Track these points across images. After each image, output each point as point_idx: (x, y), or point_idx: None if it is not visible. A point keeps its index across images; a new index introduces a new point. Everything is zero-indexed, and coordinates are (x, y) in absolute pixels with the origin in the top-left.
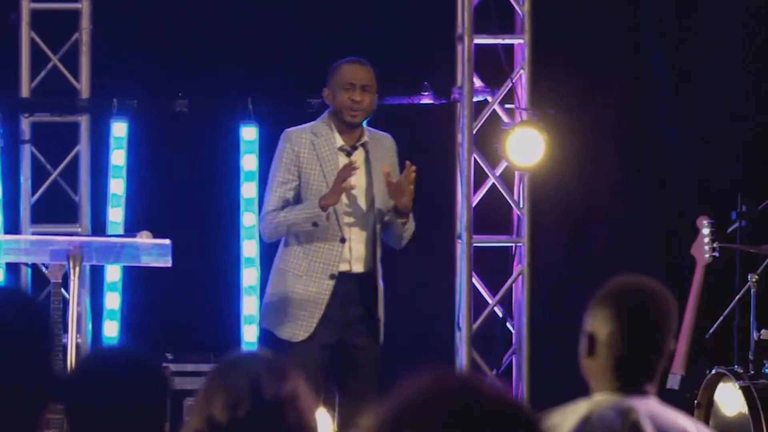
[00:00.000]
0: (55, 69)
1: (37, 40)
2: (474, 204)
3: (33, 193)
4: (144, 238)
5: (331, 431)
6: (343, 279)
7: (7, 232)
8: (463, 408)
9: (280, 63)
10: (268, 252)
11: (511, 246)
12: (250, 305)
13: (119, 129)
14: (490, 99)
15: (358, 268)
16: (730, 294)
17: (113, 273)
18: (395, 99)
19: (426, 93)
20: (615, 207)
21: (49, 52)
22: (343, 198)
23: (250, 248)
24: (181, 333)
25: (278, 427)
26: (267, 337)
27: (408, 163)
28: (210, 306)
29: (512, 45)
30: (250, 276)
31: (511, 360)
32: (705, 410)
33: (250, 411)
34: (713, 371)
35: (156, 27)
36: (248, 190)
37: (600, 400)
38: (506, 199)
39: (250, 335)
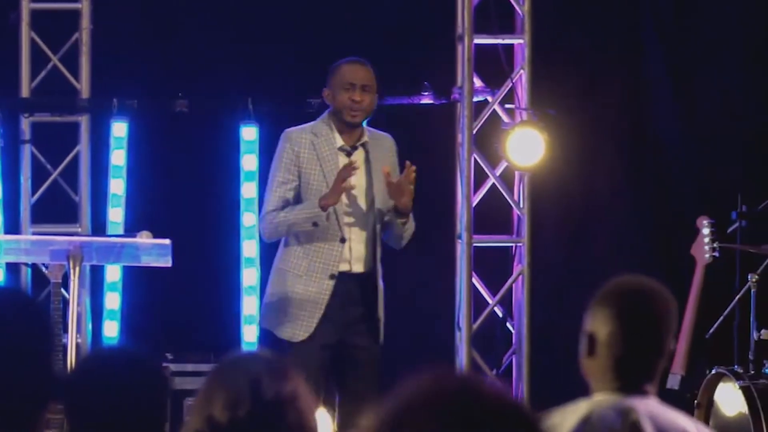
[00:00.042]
0: (55, 69)
1: (37, 40)
2: (474, 204)
3: (33, 193)
4: (144, 238)
5: (331, 431)
6: (343, 279)
7: (7, 232)
8: (463, 408)
9: (280, 63)
10: (268, 252)
11: (511, 246)
12: (250, 305)
13: (119, 129)
14: (490, 99)
15: (358, 268)
16: (730, 294)
17: (113, 273)
18: (395, 99)
19: (426, 93)
20: (615, 207)
21: (49, 52)
22: (343, 198)
23: (250, 248)
24: (181, 333)
25: (278, 427)
26: (267, 337)
27: (408, 163)
28: (210, 306)
29: (512, 45)
30: (250, 276)
31: (511, 360)
32: (705, 410)
33: (250, 411)
34: (713, 371)
35: (156, 27)
36: (248, 190)
37: (600, 400)
38: (506, 199)
39: (250, 335)
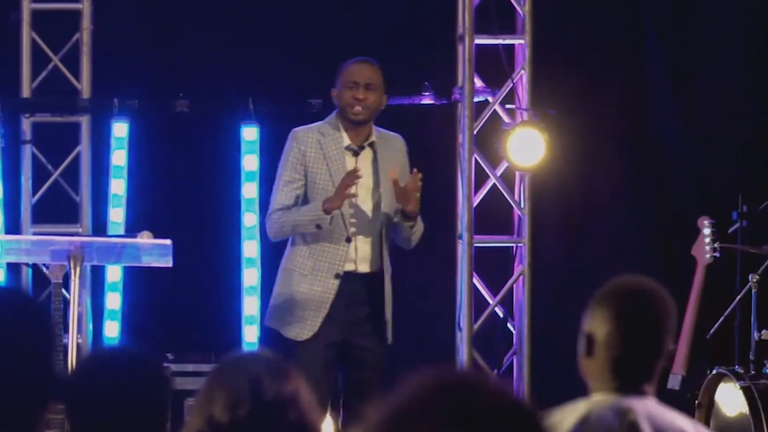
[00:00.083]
0: (55, 69)
1: (38, 40)
2: (475, 204)
3: (34, 193)
4: (145, 239)
5: None
6: (348, 279)
7: (7, 232)
8: (464, 405)
9: (280, 63)
10: (269, 252)
11: (512, 246)
12: (250, 305)
13: (120, 129)
14: (490, 99)
15: (364, 268)
16: (731, 294)
17: (114, 273)
18: (396, 99)
19: (427, 93)
20: (615, 207)
21: (49, 53)
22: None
23: (250, 248)
24: (182, 333)
25: (279, 427)
26: (273, 336)
27: (415, 170)
28: (211, 306)
29: (513, 45)
30: (250, 276)
31: (512, 360)
32: (706, 410)
33: (250, 411)
34: (714, 371)
35: (157, 27)
36: (249, 190)
37: (598, 400)
38: (507, 199)
39: (250, 335)
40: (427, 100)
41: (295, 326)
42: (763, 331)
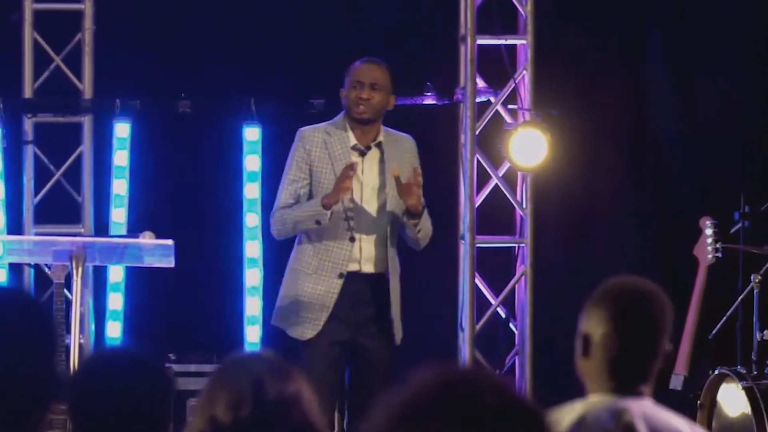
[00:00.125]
0: (57, 69)
1: (40, 40)
2: (477, 204)
3: (36, 193)
4: (147, 239)
5: None
6: (352, 279)
7: (10, 232)
8: (467, 402)
9: (282, 63)
10: (271, 252)
11: (514, 246)
12: (253, 306)
13: (122, 129)
14: (492, 99)
15: (369, 268)
16: (733, 294)
17: (116, 273)
18: (398, 99)
19: (429, 93)
20: (617, 207)
21: (51, 53)
22: (356, 197)
23: (253, 249)
24: (184, 333)
25: (281, 427)
26: (275, 336)
27: (415, 167)
28: (213, 306)
29: (515, 45)
30: (252, 276)
31: (514, 360)
32: (708, 411)
33: (252, 411)
34: (716, 372)
35: (159, 28)
36: (251, 190)
37: (594, 401)
38: (509, 199)
39: (253, 336)
40: (429, 101)
41: (300, 326)
42: (765, 332)
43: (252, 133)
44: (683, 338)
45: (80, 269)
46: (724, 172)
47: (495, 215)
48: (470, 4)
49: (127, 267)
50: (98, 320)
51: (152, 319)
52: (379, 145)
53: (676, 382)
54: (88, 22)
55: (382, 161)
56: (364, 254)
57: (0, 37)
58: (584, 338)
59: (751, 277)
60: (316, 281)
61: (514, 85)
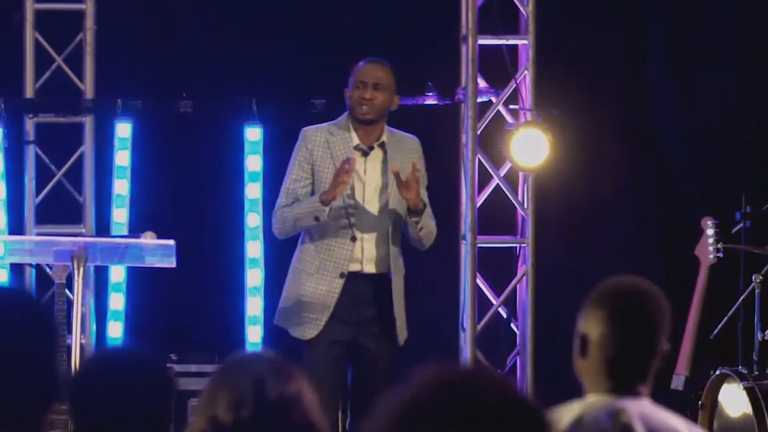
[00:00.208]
0: (59, 69)
1: (41, 40)
2: (478, 205)
3: (37, 193)
4: (148, 239)
5: None
6: (354, 279)
7: (11, 232)
8: (468, 401)
9: (283, 64)
10: (273, 252)
11: (516, 247)
12: (254, 306)
13: (123, 130)
14: (494, 100)
15: (370, 268)
16: (735, 295)
17: (117, 274)
18: (400, 100)
19: (430, 94)
20: (618, 207)
21: (53, 53)
22: (358, 197)
23: (254, 249)
24: (185, 334)
25: (282, 427)
26: (276, 336)
27: (413, 163)
28: (214, 307)
29: (516, 45)
30: (254, 277)
31: (515, 360)
32: (709, 411)
33: (253, 411)
34: (717, 372)
35: (160, 28)
36: (252, 190)
37: (592, 401)
38: (510, 199)
39: (254, 336)
40: (430, 101)
41: (302, 326)
42: (767, 332)
43: (253, 133)
44: (684, 338)
45: (81, 269)
46: (725, 172)
47: (496, 215)
48: (471, 4)
49: (128, 267)
50: (99, 320)
51: (153, 319)
52: (382, 146)
53: (678, 382)
54: (89, 22)
55: (385, 161)
56: (365, 254)
57: (1, 37)
58: (582, 338)
59: (753, 277)
60: (318, 281)
61: (515, 85)
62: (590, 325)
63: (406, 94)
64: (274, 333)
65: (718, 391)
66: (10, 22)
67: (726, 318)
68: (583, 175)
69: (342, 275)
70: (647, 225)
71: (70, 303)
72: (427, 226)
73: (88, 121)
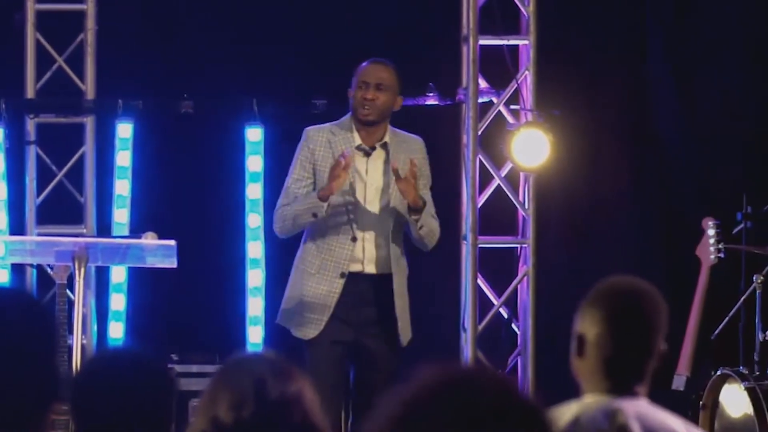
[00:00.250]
0: (60, 70)
1: (42, 41)
2: (479, 205)
3: (38, 194)
4: (149, 239)
5: None
6: (355, 279)
7: (12, 233)
8: (469, 401)
9: (284, 64)
10: (274, 253)
11: (517, 247)
12: (255, 306)
13: (124, 130)
14: (495, 100)
15: (371, 269)
16: (736, 295)
17: (118, 274)
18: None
19: (431, 94)
20: (619, 208)
21: (54, 53)
22: (359, 197)
23: (255, 249)
24: (186, 334)
25: (283, 427)
26: (278, 336)
27: (410, 159)
28: (215, 307)
29: (517, 46)
30: (255, 277)
31: (517, 361)
32: (710, 411)
33: (254, 412)
34: (718, 372)
35: (161, 28)
36: (253, 191)
37: (589, 402)
38: (511, 200)
39: (255, 336)
40: (431, 101)
41: (303, 326)
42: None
43: (254, 134)
44: (686, 339)
45: (83, 270)
46: (726, 173)
47: (497, 216)
48: (472, 4)
49: (129, 267)
50: (100, 321)
51: (154, 319)
52: (384, 146)
53: (679, 382)
54: (90, 23)
55: (387, 162)
56: (366, 255)
57: (2, 38)
58: (579, 338)
59: (754, 278)
60: (319, 281)
61: (516, 85)
62: (587, 326)
63: (407, 95)
64: (275, 333)
65: (719, 392)
66: (11, 22)
67: (727, 318)
68: (584, 176)
69: (342, 275)
70: (648, 225)
71: (71, 303)
72: (428, 225)
73: (89, 122)
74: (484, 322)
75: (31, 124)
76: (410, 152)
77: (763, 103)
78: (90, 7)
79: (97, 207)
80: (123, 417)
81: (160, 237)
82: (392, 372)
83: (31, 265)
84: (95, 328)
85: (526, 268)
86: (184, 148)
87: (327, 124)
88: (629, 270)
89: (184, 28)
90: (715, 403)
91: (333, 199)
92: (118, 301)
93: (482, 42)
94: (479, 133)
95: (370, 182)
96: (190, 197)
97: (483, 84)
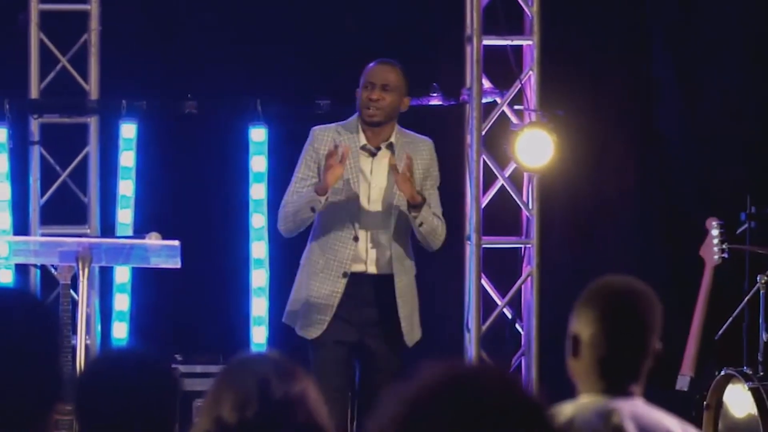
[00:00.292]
0: (64, 70)
1: (46, 41)
2: (483, 205)
3: (42, 194)
4: (153, 240)
5: None
6: (357, 280)
7: (16, 233)
8: (472, 398)
9: (288, 64)
10: (278, 253)
11: (521, 247)
12: (259, 306)
13: (128, 130)
14: (499, 100)
15: (374, 269)
16: (740, 295)
17: (122, 274)
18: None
19: (435, 94)
20: (623, 208)
21: (58, 54)
22: (363, 198)
23: (259, 249)
24: (190, 334)
25: (287, 427)
26: (281, 337)
27: (407, 155)
28: (219, 307)
29: (521, 46)
30: (259, 277)
31: (520, 361)
32: (714, 412)
33: (258, 412)
34: (722, 372)
35: (165, 29)
36: (257, 191)
37: (585, 402)
38: (515, 200)
39: (259, 336)
40: (435, 101)
41: (307, 325)
42: None
43: (258, 134)
44: (689, 339)
45: (86, 270)
46: (729, 173)
47: (501, 216)
48: (476, 4)
49: (133, 268)
50: (104, 321)
51: (158, 319)
52: (390, 146)
53: (683, 383)
54: (94, 23)
55: None
56: (369, 255)
57: (6, 38)
58: (573, 339)
59: (758, 278)
60: (323, 281)
61: (520, 85)
62: (581, 326)
63: (411, 95)
64: (278, 333)
65: (723, 392)
66: (14, 22)
67: (731, 319)
68: (588, 176)
69: (345, 275)
70: (652, 225)
71: (74, 304)
72: (429, 224)
73: (92, 122)
74: (488, 323)
75: (34, 125)
76: (417, 153)
77: (763, 103)
78: (94, 8)
79: (100, 207)
80: (127, 417)
81: (164, 237)
82: (395, 372)
83: (35, 266)
84: (99, 328)
85: (530, 268)
86: (188, 148)
87: (333, 124)
88: (633, 270)
89: (186, 29)
90: (719, 404)
91: (336, 198)
92: (121, 302)
93: (486, 42)
94: (483, 133)
95: (374, 182)
96: (193, 197)
97: (487, 84)
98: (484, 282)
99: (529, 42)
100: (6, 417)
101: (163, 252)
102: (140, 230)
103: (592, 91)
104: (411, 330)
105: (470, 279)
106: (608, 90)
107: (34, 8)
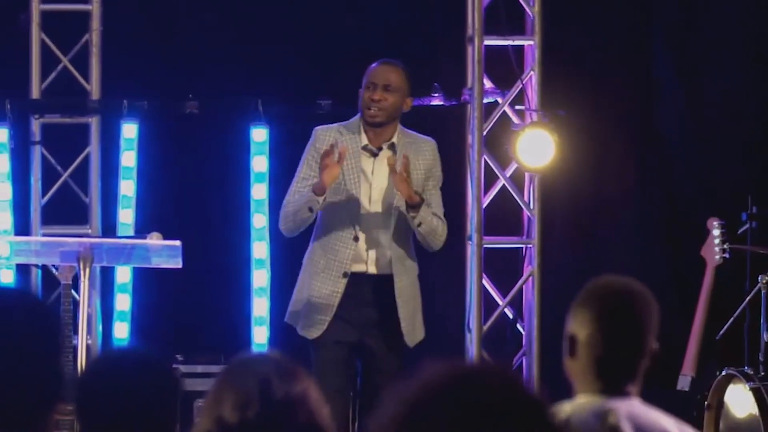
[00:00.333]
0: (65, 70)
1: (48, 41)
2: (484, 205)
3: (43, 194)
4: (154, 240)
5: None
6: (358, 280)
7: (17, 233)
8: (474, 397)
9: (289, 64)
10: (279, 253)
11: (522, 247)
12: (260, 306)
13: (129, 130)
14: (500, 100)
15: (374, 269)
16: (741, 295)
17: (123, 274)
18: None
19: (436, 94)
20: (624, 208)
21: (59, 54)
22: (364, 198)
23: (260, 249)
24: (191, 334)
25: (288, 427)
26: (282, 337)
27: (403, 154)
28: (220, 307)
29: (522, 46)
30: (260, 277)
31: (521, 361)
32: (715, 412)
33: (259, 412)
34: (723, 373)
35: (166, 29)
36: (258, 191)
37: (582, 402)
38: (516, 200)
39: (260, 336)
40: (436, 101)
41: (308, 325)
42: None
43: (259, 134)
44: (691, 339)
45: (88, 270)
46: (730, 173)
47: (502, 216)
48: (477, 4)
49: (134, 268)
50: (105, 321)
51: (159, 319)
52: (392, 147)
53: (684, 383)
54: (95, 23)
55: None
56: (370, 255)
57: (7, 38)
58: (570, 339)
59: (759, 278)
60: (323, 281)
61: (521, 85)
62: (578, 326)
63: (413, 95)
64: (280, 333)
65: (724, 392)
66: (16, 22)
67: (732, 319)
68: (589, 176)
69: (345, 275)
70: (653, 225)
71: (76, 304)
72: (427, 224)
73: (94, 122)
74: (489, 323)
75: (36, 125)
76: (419, 153)
77: (763, 103)
78: (95, 8)
79: (102, 207)
80: (128, 417)
81: (165, 237)
82: (395, 372)
83: (36, 266)
84: (100, 328)
85: (531, 268)
86: (189, 148)
87: (336, 124)
88: (633, 270)
89: (188, 29)
90: (720, 404)
91: (337, 198)
92: (123, 302)
93: (487, 42)
94: (484, 133)
95: (375, 183)
96: (195, 197)
97: (488, 84)
98: (485, 282)
99: (531, 42)
100: (6, 417)
101: (164, 252)
102: (141, 230)
103: (592, 91)
104: (412, 330)
105: (471, 279)
106: (609, 90)
107: (36, 8)
